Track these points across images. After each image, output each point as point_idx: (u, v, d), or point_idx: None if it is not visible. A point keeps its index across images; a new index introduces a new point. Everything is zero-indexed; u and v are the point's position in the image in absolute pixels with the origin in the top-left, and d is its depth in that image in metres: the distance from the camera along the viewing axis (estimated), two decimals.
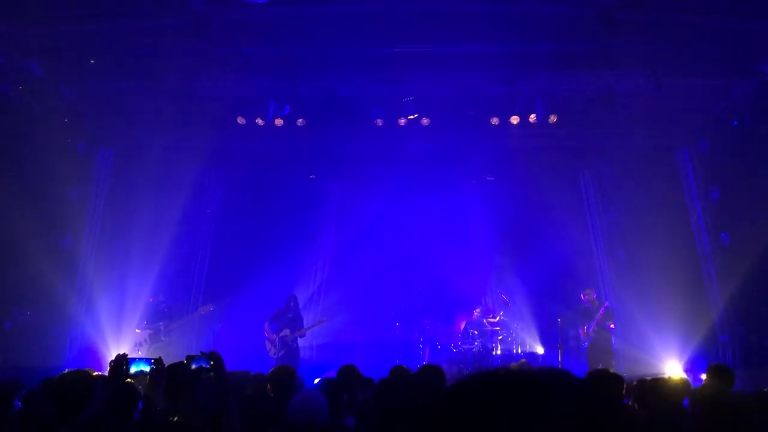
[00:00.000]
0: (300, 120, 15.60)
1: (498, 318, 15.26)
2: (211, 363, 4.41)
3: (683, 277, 15.85)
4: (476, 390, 1.03)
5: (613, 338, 14.20)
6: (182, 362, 4.38)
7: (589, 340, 13.85)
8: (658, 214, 15.83)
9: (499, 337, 15.02)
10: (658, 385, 7.06)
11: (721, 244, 15.46)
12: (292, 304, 14.78)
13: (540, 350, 15.35)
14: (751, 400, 5.18)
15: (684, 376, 13.46)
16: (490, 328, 15.14)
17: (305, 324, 14.88)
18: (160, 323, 14.73)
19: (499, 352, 14.90)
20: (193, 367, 4.49)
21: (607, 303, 14.32)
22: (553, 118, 15.34)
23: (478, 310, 15.27)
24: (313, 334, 15.14)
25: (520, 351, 15.09)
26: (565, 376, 1.04)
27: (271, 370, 7.14)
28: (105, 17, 13.10)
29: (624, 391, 6.87)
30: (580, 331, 14.00)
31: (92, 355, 15.56)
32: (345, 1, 12.50)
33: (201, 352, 4.55)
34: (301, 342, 14.80)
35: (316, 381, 8.70)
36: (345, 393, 6.73)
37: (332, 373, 11.41)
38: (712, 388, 7.39)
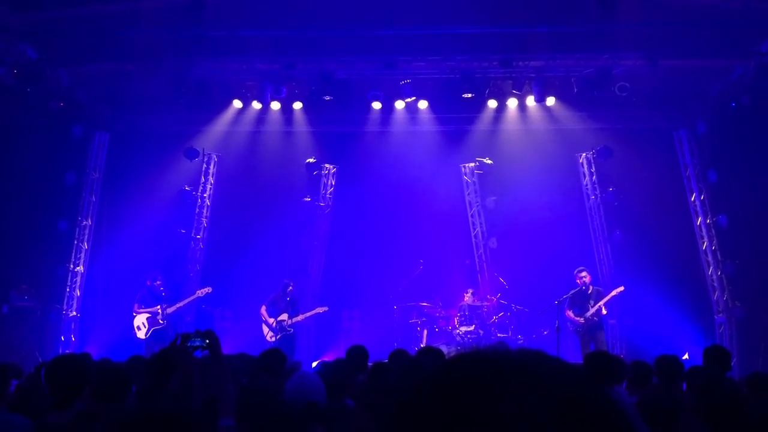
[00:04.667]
0: (296, 103, 15.63)
1: (495, 300, 15.26)
2: (207, 342, 4.35)
3: (680, 259, 15.89)
4: (452, 370, 1.02)
5: (605, 321, 14.20)
6: (174, 342, 4.31)
7: (586, 323, 13.78)
8: (656, 195, 15.84)
9: (495, 320, 15.03)
10: (655, 367, 7.09)
11: (718, 225, 15.47)
12: (289, 288, 14.74)
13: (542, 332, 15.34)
14: (746, 384, 5.20)
15: (680, 357, 13.52)
16: (486, 310, 15.16)
17: (303, 309, 14.86)
18: (158, 306, 14.71)
19: (498, 335, 14.91)
20: (188, 345, 4.42)
21: (622, 287, 14.19)
22: (550, 100, 15.34)
23: (469, 292, 15.26)
24: (310, 319, 15.12)
25: (520, 337, 15.10)
26: (549, 360, 1.03)
27: (260, 353, 7.10)
28: (100, 0, 13.03)
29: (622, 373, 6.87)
30: (570, 313, 13.89)
31: (89, 338, 15.60)
32: None
33: (197, 331, 4.48)
34: (297, 327, 14.80)
35: (315, 364, 8.68)
36: (357, 374, 6.66)
37: (329, 357, 11.43)
38: (707, 371, 7.38)
